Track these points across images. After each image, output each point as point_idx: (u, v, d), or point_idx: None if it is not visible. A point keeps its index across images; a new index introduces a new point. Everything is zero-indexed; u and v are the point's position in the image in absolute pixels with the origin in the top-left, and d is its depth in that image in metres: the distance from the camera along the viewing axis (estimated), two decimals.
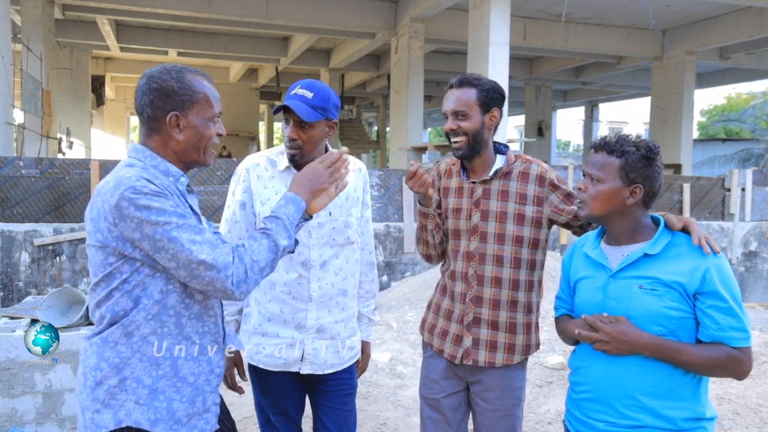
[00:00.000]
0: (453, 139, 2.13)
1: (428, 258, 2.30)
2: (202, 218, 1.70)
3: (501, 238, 2.11)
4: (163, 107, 1.59)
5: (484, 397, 2.14)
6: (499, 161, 2.17)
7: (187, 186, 1.71)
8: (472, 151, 2.12)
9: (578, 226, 2.13)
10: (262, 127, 28.55)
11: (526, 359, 2.20)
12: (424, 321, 2.33)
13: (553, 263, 6.81)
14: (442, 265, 2.31)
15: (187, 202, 1.63)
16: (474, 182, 2.17)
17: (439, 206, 2.27)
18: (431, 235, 2.21)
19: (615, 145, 1.72)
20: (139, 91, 1.61)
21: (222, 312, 1.76)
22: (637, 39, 14.15)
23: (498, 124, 2.16)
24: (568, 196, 2.12)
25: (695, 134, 27.22)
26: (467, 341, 2.14)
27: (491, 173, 2.14)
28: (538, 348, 2.21)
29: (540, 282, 2.19)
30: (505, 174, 2.15)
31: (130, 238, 1.48)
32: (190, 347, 1.60)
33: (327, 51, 18.01)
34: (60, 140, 13.59)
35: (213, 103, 1.65)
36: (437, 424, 2.22)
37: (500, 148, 2.21)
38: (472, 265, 2.14)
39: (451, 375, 2.20)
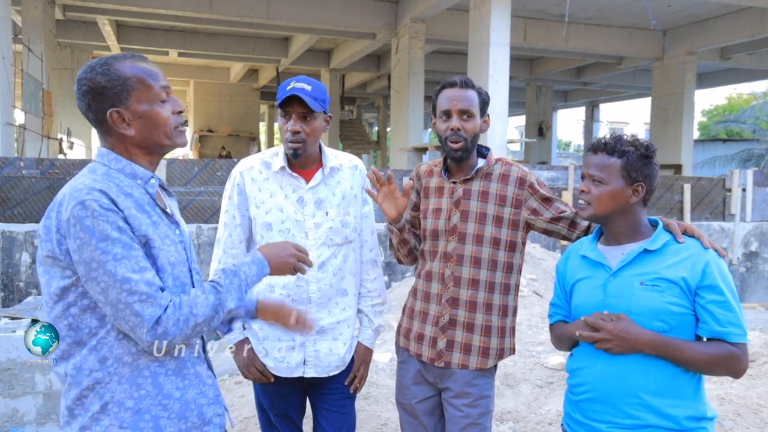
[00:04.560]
0: (454, 140, 2.10)
1: (398, 260, 2.35)
2: (181, 221, 1.63)
3: (479, 240, 2.11)
4: (100, 107, 1.46)
5: (453, 404, 2.14)
6: (480, 162, 2.18)
7: (163, 187, 1.62)
8: (468, 153, 2.13)
9: (561, 234, 2.13)
10: (262, 127, 28.55)
11: (496, 367, 2.19)
12: (399, 326, 2.32)
13: (553, 263, 6.80)
14: (415, 267, 2.32)
15: (157, 205, 1.53)
16: (455, 182, 2.17)
17: (417, 208, 2.28)
18: (396, 248, 2.27)
19: (615, 146, 1.74)
20: (76, 97, 1.48)
21: None
22: (637, 39, 14.14)
23: (486, 130, 2.20)
24: (547, 200, 2.12)
25: (696, 134, 27.20)
26: (441, 343, 2.13)
27: (472, 172, 2.15)
28: (513, 353, 2.20)
29: (517, 286, 2.19)
30: (485, 175, 2.15)
31: (73, 257, 1.38)
32: (169, 362, 1.49)
33: (327, 51, 18.01)
34: (61, 141, 13.59)
35: (150, 83, 1.48)
36: (414, 428, 2.24)
37: (482, 151, 2.22)
38: (449, 266, 2.13)
39: (422, 380, 2.20)
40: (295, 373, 2.17)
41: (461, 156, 2.12)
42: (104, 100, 1.45)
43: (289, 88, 2.07)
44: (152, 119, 1.49)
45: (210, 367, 1.65)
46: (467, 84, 2.13)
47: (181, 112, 1.55)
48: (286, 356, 2.16)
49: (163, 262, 1.47)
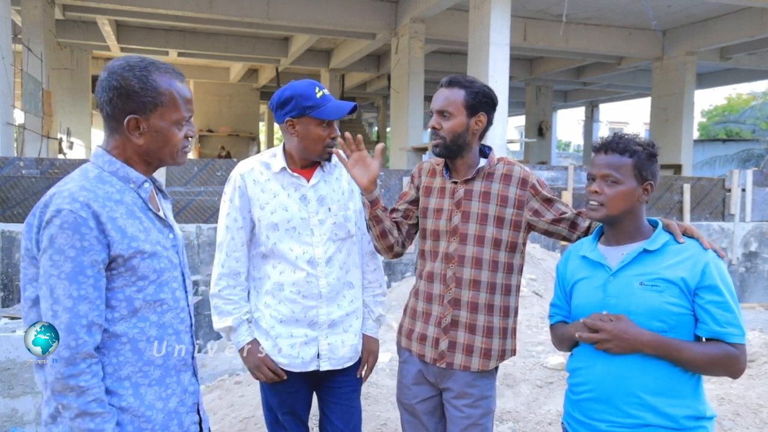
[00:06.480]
0: (433, 137, 2.13)
1: (375, 248, 2.26)
2: (174, 225, 1.62)
3: (480, 240, 2.10)
4: (122, 107, 1.44)
5: (454, 404, 2.13)
6: (482, 162, 2.17)
7: (159, 189, 1.62)
8: (450, 151, 2.11)
9: (562, 236, 2.12)
10: (262, 127, 28.55)
11: (497, 368, 2.19)
12: (401, 326, 2.31)
13: (553, 264, 6.81)
14: (416, 268, 2.30)
15: (149, 209, 1.52)
16: (456, 182, 2.16)
17: (416, 203, 2.27)
18: (368, 225, 2.18)
19: (627, 145, 1.73)
20: (100, 86, 1.46)
21: (191, 324, 1.63)
22: (637, 39, 14.15)
23: (485, 129, 2.14)
24: (548, 202, 2.10)
25: (696, 135, 27.21)
26: (443, 344, 2.12)
27: (473, 173, 2.14)
28: (514, 354, 2.20)
29: (518, 287, 2.18)
30: (487, 175, 2.13)
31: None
32: (153, 371, 1.48)
33: (327, 51, 18.01)
34: (60, 140, 13.58)
35: (180, 105, 1.49)
36: (415, 428, 2.23)
37: (485, 151, 2.21)
38: (451, 267, 2.12)
39: (422, 381, 2.20)
40: (310, 367, 2.19)
41: (440, 153, 2.13)
42: (129, 103, 1.44)
43: (320, 96, 2.11)
44: (165, 138, 1.49)
45: (195, 373, 1.63)
46: (452, 83, 2.11)
47: (192, 137, 1.56)
48: (300, 351, 2.18)
49: (148, 270, 1.46)
